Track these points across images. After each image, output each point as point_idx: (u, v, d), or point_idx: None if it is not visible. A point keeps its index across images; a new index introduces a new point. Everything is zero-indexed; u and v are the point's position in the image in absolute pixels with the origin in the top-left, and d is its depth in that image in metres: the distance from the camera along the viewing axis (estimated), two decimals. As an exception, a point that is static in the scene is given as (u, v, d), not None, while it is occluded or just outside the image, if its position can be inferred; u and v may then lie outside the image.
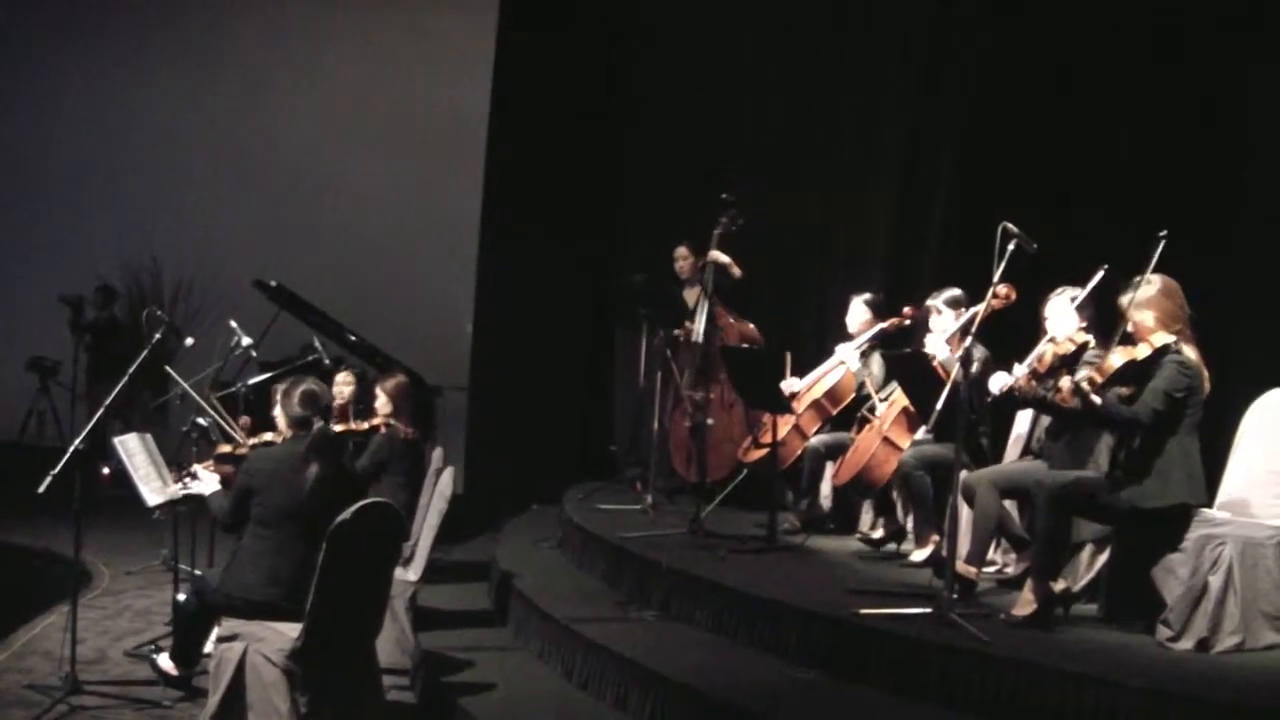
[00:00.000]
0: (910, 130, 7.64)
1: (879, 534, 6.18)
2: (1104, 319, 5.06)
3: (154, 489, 5.30)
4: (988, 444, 5.73)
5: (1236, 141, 6.17)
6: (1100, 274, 5.01)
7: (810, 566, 5.88)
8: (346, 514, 4.17)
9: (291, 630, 4.26)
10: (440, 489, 5.62)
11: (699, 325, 7.52)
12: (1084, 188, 6.62)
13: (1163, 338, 4.64)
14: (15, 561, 7.23)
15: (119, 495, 5.79)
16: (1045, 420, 5.35)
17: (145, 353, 5.64)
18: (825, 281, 7.98)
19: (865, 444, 6.09)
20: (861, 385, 6.50)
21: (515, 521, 7.93)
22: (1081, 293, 5.11)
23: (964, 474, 5.18)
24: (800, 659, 4.89)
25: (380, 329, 8.76)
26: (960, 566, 5.04)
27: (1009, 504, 5.33)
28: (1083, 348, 5.00)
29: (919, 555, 5.86)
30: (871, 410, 6.25)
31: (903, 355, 5.92)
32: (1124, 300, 4.72)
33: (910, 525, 6.07)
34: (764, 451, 6.46)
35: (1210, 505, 4.92)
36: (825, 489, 6.62)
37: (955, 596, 4.87)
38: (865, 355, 6.56)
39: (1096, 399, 4.61)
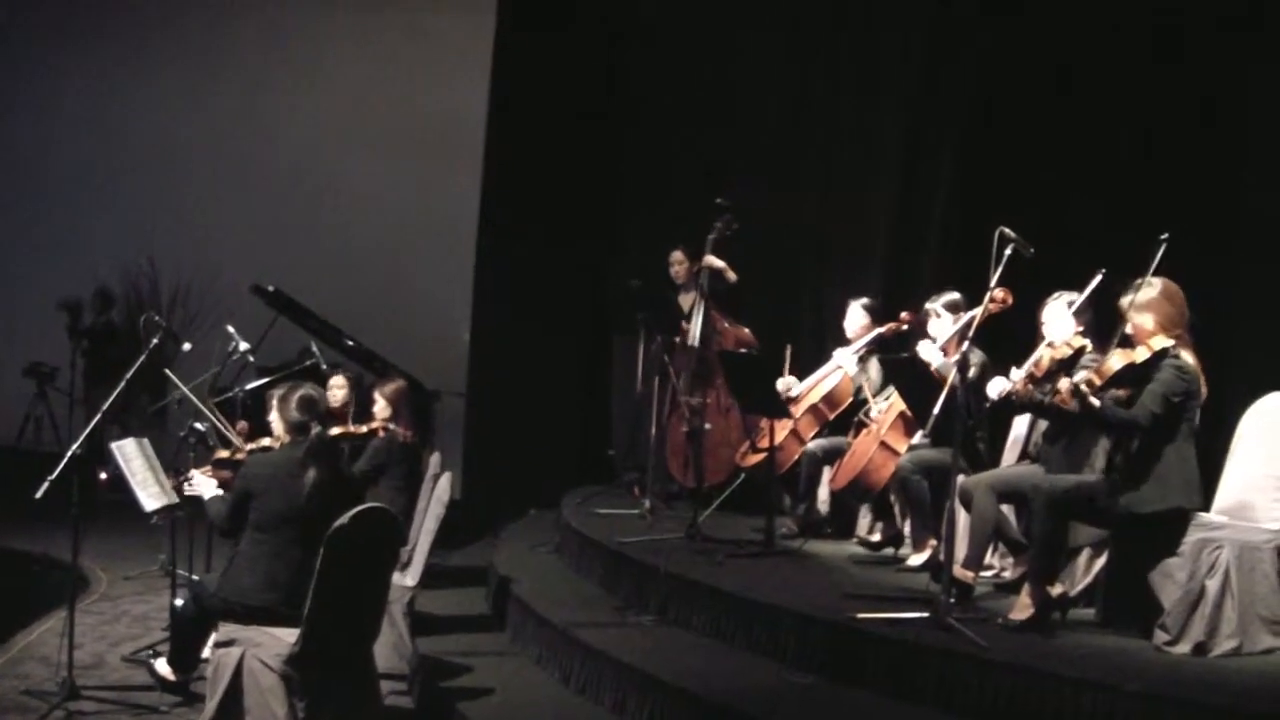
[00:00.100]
0: (910, 130, 7.63)
1: (877, 538, 6.18)
2: (1102, 323, 5.05)
3: (152, 494, 5.30)
4: (985, 448, 5.73)
5: (1236, 141, 6.16)
6: (1098, 277, 5.00)
7: (808, 571, 5.87)
8: (344, 519, 4.17)
9: (289, 635, 4.26)
10: (438, 494, 5.62)
11: (694, 330, 7.51)
12: (1083, 188, 6.61)
13: (1161, 341, 4.64)
14: (13, 567, 7.22)
15: (117, 500, 5.78)
16: (1042, 424, 5.34)
17: (143, 358, 5.65)
18: (824, 282, 7.98)
19: (862, 448, 6.08)
20: (859, 390, 6.49)
21: (513, 526, 7.92)
22: (1079, 297, 5.10)
23: (961, 478, 5.18)
24: (798, 663, 4.89)
25: (378, 333, 8.75)
26: (958, 571, 5.04)
27: (1006, 508, 5.33)
28: (1080, 352, 4.99)
29: (916, 559, 5.86)
30: (868, 414, 6.25)
31: (900, 360, 5.91)
32: (1124, 302, 4.71)
33: (908, 530, 6.06)
34: (761, 456, 6.46)
35: (1207, 509, 4.92)
36: (823, 493, 6.62)
37: (953, 601, 4.87)
38: (863, 360, 6.56)
39: (1095, 400, 4.60)
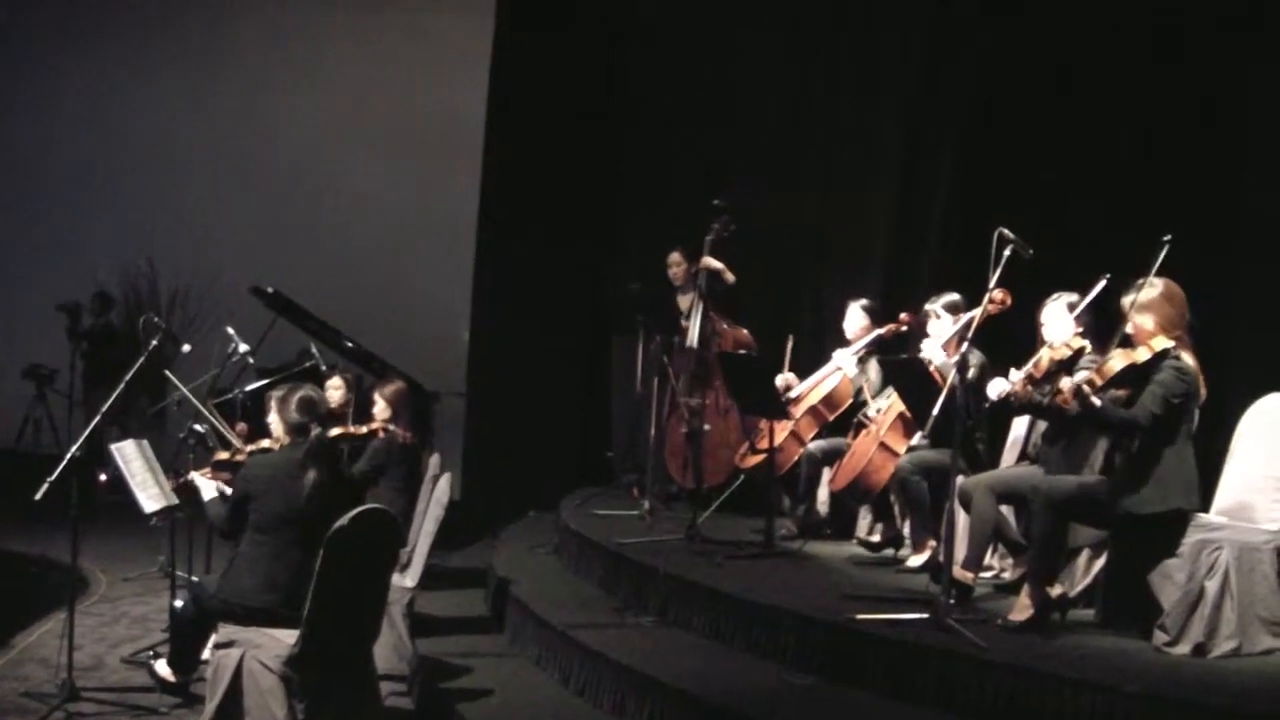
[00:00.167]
0: (910, 130, 7.63)
1: (876, 539, 6.18)
2: (1101, 326, 5.05)
3: (151, 496, 5.30)
4: (984, 449, 5.73)
5: (1236, 141, 6.16)
6: (1103, 283, 5.00)
7: (807, 572, 5.87)
8: (344, 520, 4.17)
9: (289, 636, 4.26)
10: (437, 495, 5.62)
11: (693, 331, 7.51)
12: (1083, 188, 6.60)
13: (1162, 342, 4.63)
14: (12, 568, 7.22)
15: (116, 502, 5.78)
16: (1042, 425, 5.35)
17: (142, 359, 5.65)
18: (824, 282, 7.97)
19: (862, 449, 6.08)
20: (859, 391, 6.49)
21: (512, 527, 7.92)
22: (1080, 299, 5.10)
23: (960, 479, 5.18)
24: (797, 664, 4.89)
25: (377, 333, 8.75)
26: (957, 572, 5.04)
27: (1005, 509, 5.33)
28: (1079, 353, 4.98)
29: (916, 560, 5.86)
30: (867, 414, 6.24)
31: (899, 361, 5.91)
32: (1125, 301, 4.71)
33: (907, 531, 6.06)
34: (761, 457, 6.46)
35: (1206, 510, 4.92)
36: (822, 495, 6.62)
37: (952, 602, 4.87)
38: (862, 361, 6.55)
39: (1096, 400, 4.60)
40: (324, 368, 7.96)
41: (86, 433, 5.33)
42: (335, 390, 6.56)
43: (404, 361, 8.21)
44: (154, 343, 5.78)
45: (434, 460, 6.19)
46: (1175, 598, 4.57)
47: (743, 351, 7.33)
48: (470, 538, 7.99)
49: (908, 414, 5.82)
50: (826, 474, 6.50)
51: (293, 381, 5.01)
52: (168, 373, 6.44)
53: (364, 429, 6.03)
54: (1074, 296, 5.15)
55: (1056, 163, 6.69)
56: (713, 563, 5.85)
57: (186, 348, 7.14)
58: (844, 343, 6.69)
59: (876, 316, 6.64)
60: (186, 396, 6.19)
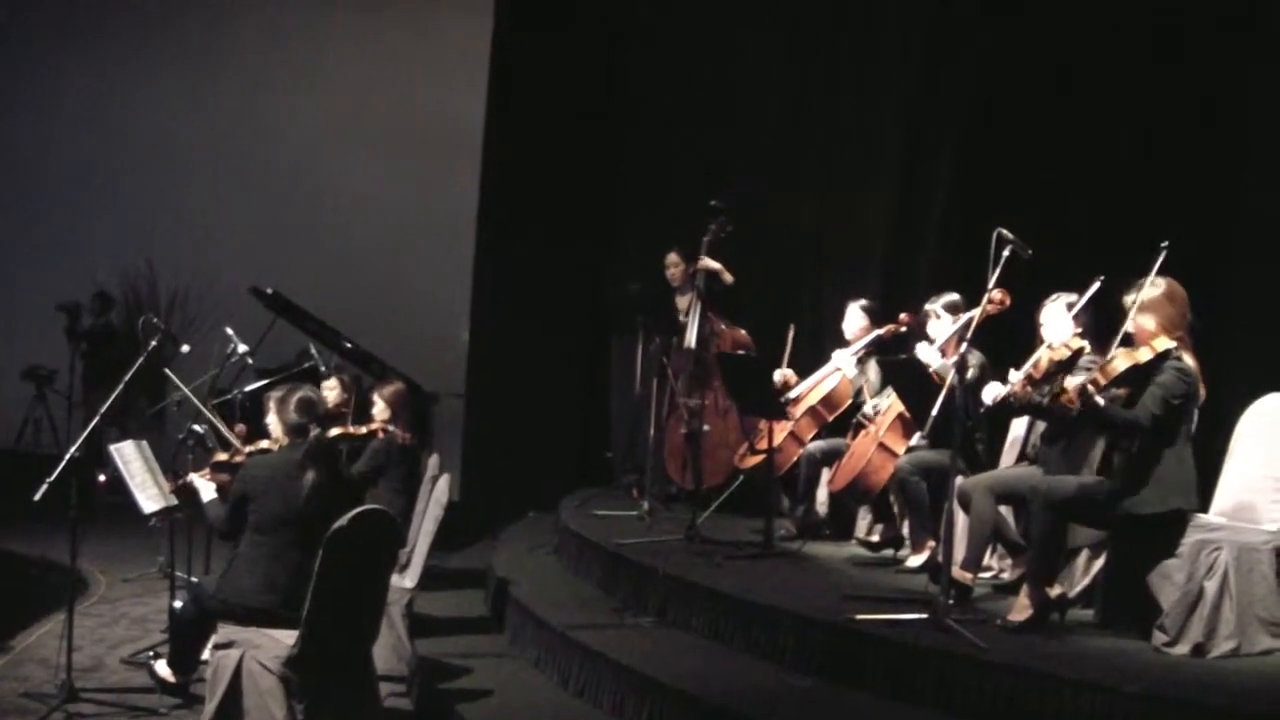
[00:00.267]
0: (910, 130, 7.63)
1: (876, 539, 6.17)
2: (1100, 326, 5.04)
3: (150, 496, 5.30)
4: (983, 449, 5.73)
5: (1236, 141, 6.15)
6: (1096, 284, 5.00)
7: (806, 572, 5.87)
8: (343, 520, 4.17)
9: (288, 637, 4.25)
10: (436, 496, 5.61)
11: (691, 332, 7.50)
12: (1083, 188, 6.60)
13: (1164, 343, 4.63)
14: (12, 569, 7.20)
15: (115, 503, 5.78)
16: (1040, 426, 5.34)
17: (141, 360, 5.64)
18: (823, 282, 7.97)
19: (861, 450, 6.08)
20: (858, 392, 6.49)
21: (512, 528, 7.92)
22: (1079, 300, 5.10)
23: (960, 479, 5.18)
24: (797, 665, 4.89)
25: (377, 333, 8.74)
26: (956, 572, 5.04)
27: (1005, 509, 5.33)
28: (1078, 353, 4.98)
29: (915, 561, 5.86)
30: (865, 414, 6.24)
31: (898, 361, 5.90)
32: (1127, 300, 4.70)
33: (906, 531, 6.05)
34: (760, 458, 6.46)
35: (1205, 511, 4.91)
36: (821, 495, 6.62)
37: (951, 602, 4.87)
38: (862, 362, 6.55)
39: (1100, 400, 4.60)
40: (323, 369, 7.95)
41: (86, 433, 5.32)
42: (331, 391, 6.56)
43: (403, 362, 8.20)
44: (153, 343, 5.78)
45: (433, 461, 6.19)
46: (1174, 598, 4.57)
47: (741, 352, 7.33)
48: (470, 538, 7.99)
49: (907, 414, 5.82)
50: (826, 474, 6.50)
51: (292, 382, 5.01)
52: (168, 370, 6.44)
53: (363, 430, 6.02)
54: (1073, 297, 5.15)
55: (1056, 163, 6.68)
56: (712, 563, 5.85)
57: (186, 348, 7.12)
58: (843, 343, 6.69)
59: (876, 317, 6.64)
60: (187, 396, 6.19)
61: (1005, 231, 4.92)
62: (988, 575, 5.59)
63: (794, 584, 5.55)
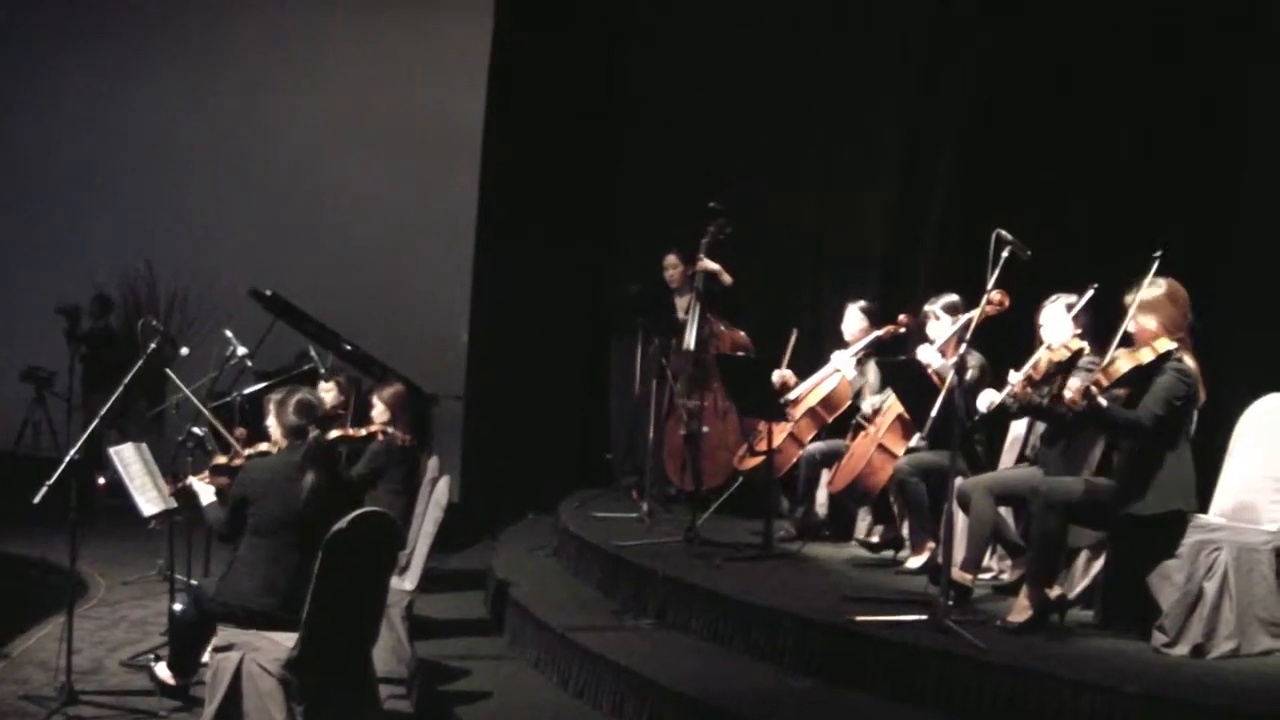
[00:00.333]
0: (910, 130, 7.63)
1: (875, 540, 6.17)
2: (1100, 327, 5.04)
3: (150, 499, 5.29)
4: (983, 450, 5.73)
5: (1236, 141, 6.15)
6: (1090, 292, 5.00)
7: (806, 574, 5.87)
8: (342, 523, 4.16)
9: (287, 639, 4.25)
10: (436, 497, 5.61)
11: (690, 333, 7.50)
12: (1083, 188, 6.60)
13: (1165, 344, 4.64)
14: (11, 572, 7.18)
15: (115, 505, 5.77)
16: (1040, 427, 5.34)
17: (140, 362, 5.64)
18: (823, 282, 7.97)
19: (860, 451, 6.08)
20: (858, 393, 6.49)
21: (511, 530, 7.93)
22: (1078, 301, 5.09)
23: (959, 480, 5.18)
24: (796, 666, 4.90)
25: (376, 334, 8.73)
26: (956, 573, 5.04)
27: (1004, 510, 5.32)
28: (1077, 354, 4.97)
29: (915, 562, 5.86)
30: (863, 414, 6.24)
31: (897, 362, 5.91)
32: (1128, 299, 4.70)
33: (906, 532, 6.05)
34: (759, 459, 6.46)
35: (1205, 511, 4.91)
36: (821, 496, 6.62)
37: (951, 603, 4.87)
38: (861, 363, 6.55)
39: (1103, 401, 4.60)
40: (322, 370, 7.95)
41: (85, 436, 5.31)
42: (328, 393, 6.55)
43: (403, 364, 8.19)
44: (152, 346, 5.77)
45: (433, 462, 6.19)
46: (1174, 599, 4.57)
47: (740, 353, 7.33)
48: (469, 540, 7.98)
49: (906, 415, 5.82)
50: (825, 476, 6.50)
51: (291, 384, 5.01)
52: (169, 371, 6.43)
53: (362, 431, 6.02)
54: (1072, 298, 5.14)
55: (1056, 163, 6.68)
56: (711, 565, 5.85)
57: (185, 351, 7.12)
58: (842, 344, 6.69)
59: (875, 318, 6.64)
60: (188, 396, 6.18)
61: (1004, 232, 4.92)
62: (987, 576, 5.59)
63: (794, 585, 5.55)
